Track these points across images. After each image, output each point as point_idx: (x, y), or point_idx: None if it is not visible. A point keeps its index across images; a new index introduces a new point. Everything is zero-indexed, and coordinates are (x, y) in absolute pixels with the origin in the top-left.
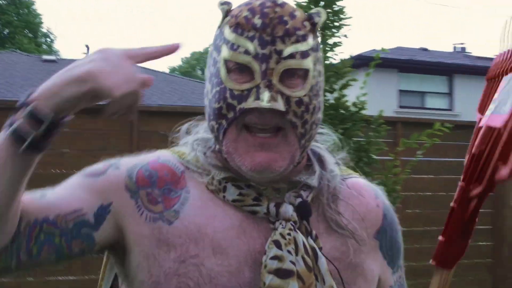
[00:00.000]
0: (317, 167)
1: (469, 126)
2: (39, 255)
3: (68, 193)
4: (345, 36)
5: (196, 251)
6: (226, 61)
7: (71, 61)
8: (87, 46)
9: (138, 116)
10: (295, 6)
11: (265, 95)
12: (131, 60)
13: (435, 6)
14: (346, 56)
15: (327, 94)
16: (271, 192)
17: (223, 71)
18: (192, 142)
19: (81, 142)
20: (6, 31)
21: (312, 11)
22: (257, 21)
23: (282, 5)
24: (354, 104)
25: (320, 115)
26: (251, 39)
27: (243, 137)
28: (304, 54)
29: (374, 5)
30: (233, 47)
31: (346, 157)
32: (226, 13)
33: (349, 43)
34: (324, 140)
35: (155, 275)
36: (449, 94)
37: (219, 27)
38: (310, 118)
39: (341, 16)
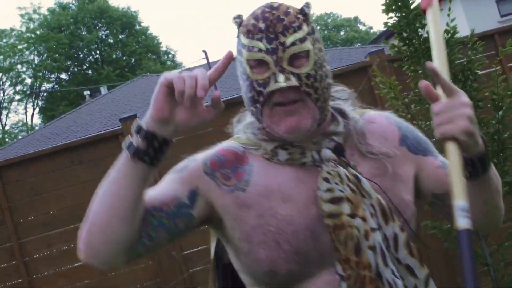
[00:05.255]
0: (340, 118)
1: None
2: (157, 237)
3: (165, 187)
4: None
5: (269, 205)
6: (247, 61)
7: (193, 68)
8: (204, 52)
9: None
10: (288, 4)
11: (281, 78)
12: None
13: None
14: None
15: (420, 30)
16: (311, 145)
17: (247, 69)
18: (243, 127)
19: None
20: (132, 60)
21: (303, 4)
22: (261, 25)
23: (278, 7)
24: (446, 31)
25: (328, 80)
26: (260, 39)
27: (275, 111)
28: (302, 40)
29: None
30: (249, 49)
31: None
32: (239, 24)
33: None
34: (341, 96)
35: (245, 231)
36: None
37: (237, 36)
38: (320, 85)
39: None
